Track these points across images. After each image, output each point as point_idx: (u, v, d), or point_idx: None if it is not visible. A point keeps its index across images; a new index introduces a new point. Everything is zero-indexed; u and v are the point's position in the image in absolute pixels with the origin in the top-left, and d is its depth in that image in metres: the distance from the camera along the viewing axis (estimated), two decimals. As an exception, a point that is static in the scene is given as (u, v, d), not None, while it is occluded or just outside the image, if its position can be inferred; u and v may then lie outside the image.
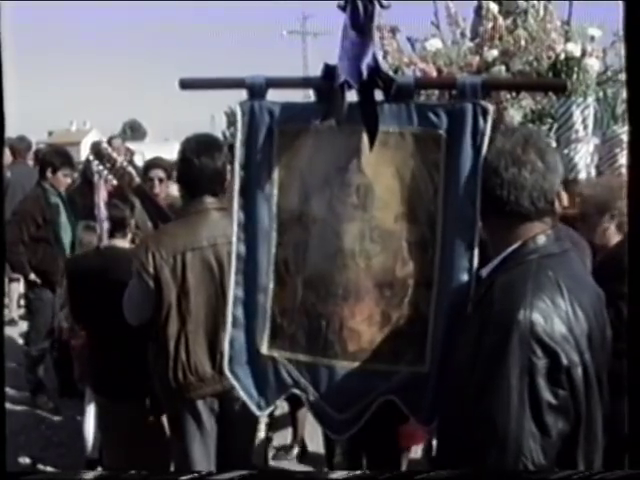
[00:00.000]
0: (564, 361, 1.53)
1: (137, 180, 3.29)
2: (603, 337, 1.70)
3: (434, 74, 3.23)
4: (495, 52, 3.30)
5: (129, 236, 3.29)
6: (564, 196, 1.75)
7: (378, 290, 1.91)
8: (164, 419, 3.01)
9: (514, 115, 3.13)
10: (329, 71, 1.85)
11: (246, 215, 2.04)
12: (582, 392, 1.56)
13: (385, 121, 1.86)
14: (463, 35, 3.59)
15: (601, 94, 3.24)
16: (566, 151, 3.14)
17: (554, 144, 3.07)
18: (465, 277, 1.81)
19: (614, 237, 2.70)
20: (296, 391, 2.03)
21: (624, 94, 3.08)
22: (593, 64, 3.15)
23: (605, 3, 2.76)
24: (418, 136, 1.86)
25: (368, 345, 1.93)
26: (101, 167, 3.30)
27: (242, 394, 2.08)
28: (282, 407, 4.10)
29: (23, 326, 5.89)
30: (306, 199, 1.98)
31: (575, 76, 3.11)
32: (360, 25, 1.81)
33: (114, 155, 3.28)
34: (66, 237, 5.04)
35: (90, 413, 3.87)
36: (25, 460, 4.29)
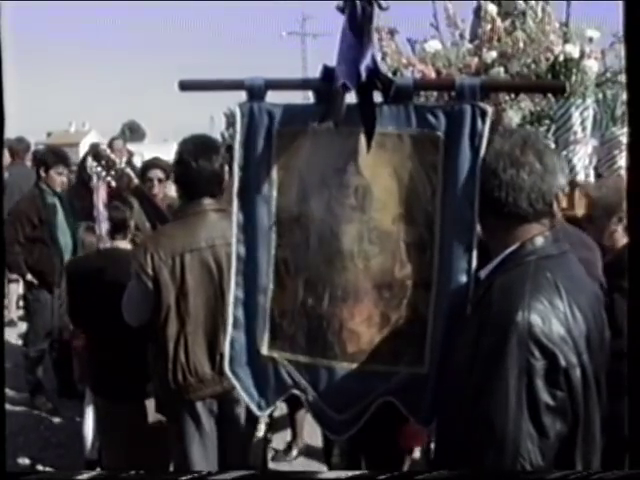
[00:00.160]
0: (562, 362, 1.53)
1: (136, 181, 3.30)
2: (601, 338, 1.70)
3: (433, 76, 3.23)
4: (494, 54, 3.29)
5: (129, 237, 3.29)
6: (562, 198, 1.75)
7: (377, 291, 1.91)
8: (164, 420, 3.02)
9: (513, 117, 3.12)
10: (328, 73, 1.85)
11: (245, 216, 2.04)
12: (580, 393, 1.56)
13: (383, 122, 1.86)
14: (462, 36, 3.57)
15: (600, 96, 3.23)
16: (564, 153, 3.12)
17: (553, 146, 3.07)
18: (464, 278, 1.81)
19: (622, 239, 2.69)
20: (296, 392, 2.03)
21: (623, 96, 3.08)
22: (592, 65, 3.15)
23: (603, 4, 2.75)
24: (416, 138, 1.86)
25: (367, 346, 1.93)
26: (100, 169, 3.31)
27: (243, 394, 2.09)
28: (281, 408, 4.10)
29: (22, 327, 5.88)
30: (305, 200, 1.98)
31: (574, 78, 3.11)
32: (359, 27, 1.80)
33: (112, 157, 3.29)
34: (63, 238, 4.99)
35: (89, 414, 3.86)
36: (24, 461, 4.28)
